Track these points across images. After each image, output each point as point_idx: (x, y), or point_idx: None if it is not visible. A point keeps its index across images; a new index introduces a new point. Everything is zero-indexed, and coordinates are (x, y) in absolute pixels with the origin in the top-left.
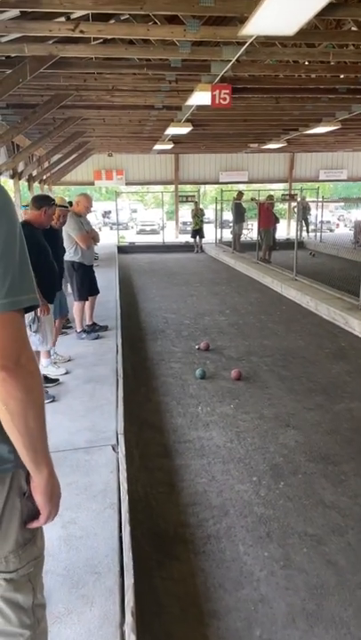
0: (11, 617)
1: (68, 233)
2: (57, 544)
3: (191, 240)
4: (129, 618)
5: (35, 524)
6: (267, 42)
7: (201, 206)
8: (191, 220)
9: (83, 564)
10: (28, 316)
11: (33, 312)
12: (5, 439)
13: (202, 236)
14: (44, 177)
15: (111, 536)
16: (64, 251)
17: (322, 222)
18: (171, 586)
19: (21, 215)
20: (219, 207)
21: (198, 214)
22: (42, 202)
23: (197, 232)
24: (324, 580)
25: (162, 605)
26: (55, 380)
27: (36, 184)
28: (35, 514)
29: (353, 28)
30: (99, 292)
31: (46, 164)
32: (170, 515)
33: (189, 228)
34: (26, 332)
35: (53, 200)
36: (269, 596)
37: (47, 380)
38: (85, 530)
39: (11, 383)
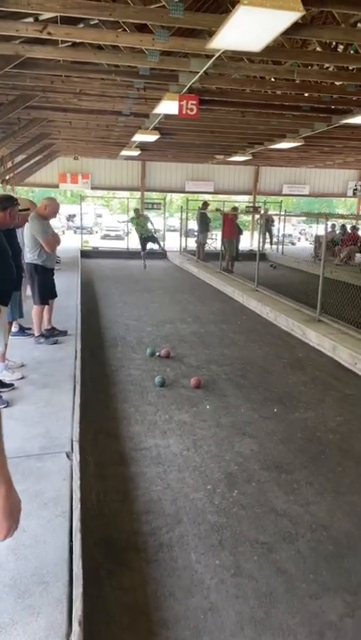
0: None
1: (34, 235)
2: (5, 553)
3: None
4: (76, 627)
5: None
6: (234, 56)
7: (143, 212)
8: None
9: (31, 573)
10: None
11: None
12: None
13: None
14: (7, 177)
15: (61, 545)
16: (20, 250)
17: (284, 235)
18: (121, 595)
19: None
20: (184, 216)
21: (140, 222)
22: (6, 203)
23: (147, 240)
24: (274, 587)
25: (111, 615)
26: (10, 385)
27: None
28: None
29: (317, 49)
30: (57, 296)
31: (10, 165)
32: (123, 523)
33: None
34: None
35: (16, 200)
36: (219, 604)
37: (1, 384)
38: (35, 538)
39: None
